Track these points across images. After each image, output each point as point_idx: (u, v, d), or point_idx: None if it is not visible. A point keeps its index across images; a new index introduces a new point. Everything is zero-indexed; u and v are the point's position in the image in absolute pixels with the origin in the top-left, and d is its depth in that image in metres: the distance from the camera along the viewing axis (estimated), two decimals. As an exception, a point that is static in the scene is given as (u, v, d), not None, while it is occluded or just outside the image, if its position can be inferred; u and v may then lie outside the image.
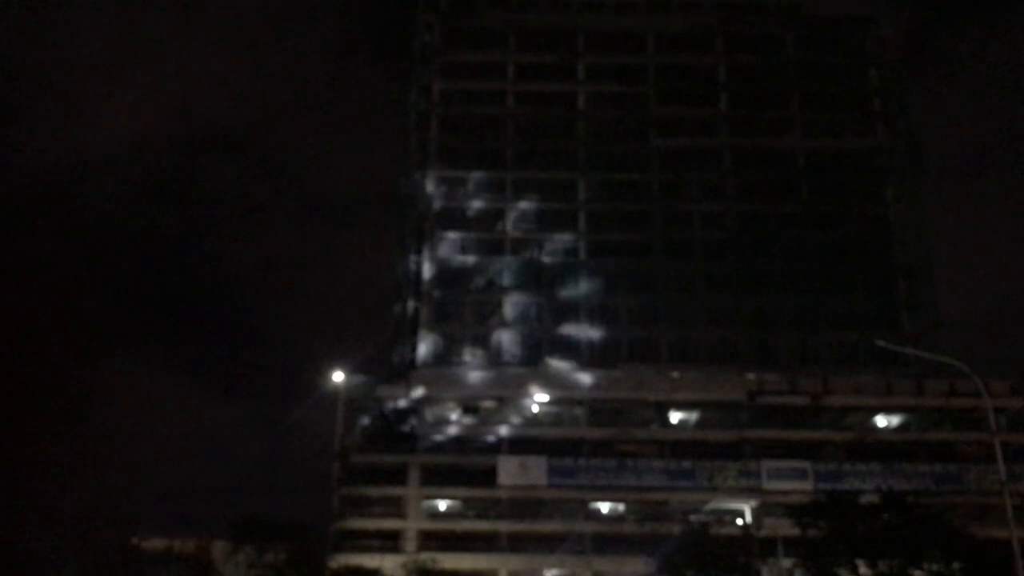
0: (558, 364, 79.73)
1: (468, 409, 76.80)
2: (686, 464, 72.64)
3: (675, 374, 78.20)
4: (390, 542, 70.92)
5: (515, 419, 76.00)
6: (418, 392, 76.01)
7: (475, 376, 77.62)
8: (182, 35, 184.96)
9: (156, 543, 64.96)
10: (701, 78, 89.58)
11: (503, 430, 75.03)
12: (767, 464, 71.98)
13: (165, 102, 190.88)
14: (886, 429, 77.01)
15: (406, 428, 75.01)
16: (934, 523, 49.89)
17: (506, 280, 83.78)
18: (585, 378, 77.31)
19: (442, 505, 74.86)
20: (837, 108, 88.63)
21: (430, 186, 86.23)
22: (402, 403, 75.77)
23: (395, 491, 72.72)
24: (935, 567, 47.82)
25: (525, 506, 72.46)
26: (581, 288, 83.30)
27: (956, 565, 47.47)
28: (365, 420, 75.76)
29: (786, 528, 57.78)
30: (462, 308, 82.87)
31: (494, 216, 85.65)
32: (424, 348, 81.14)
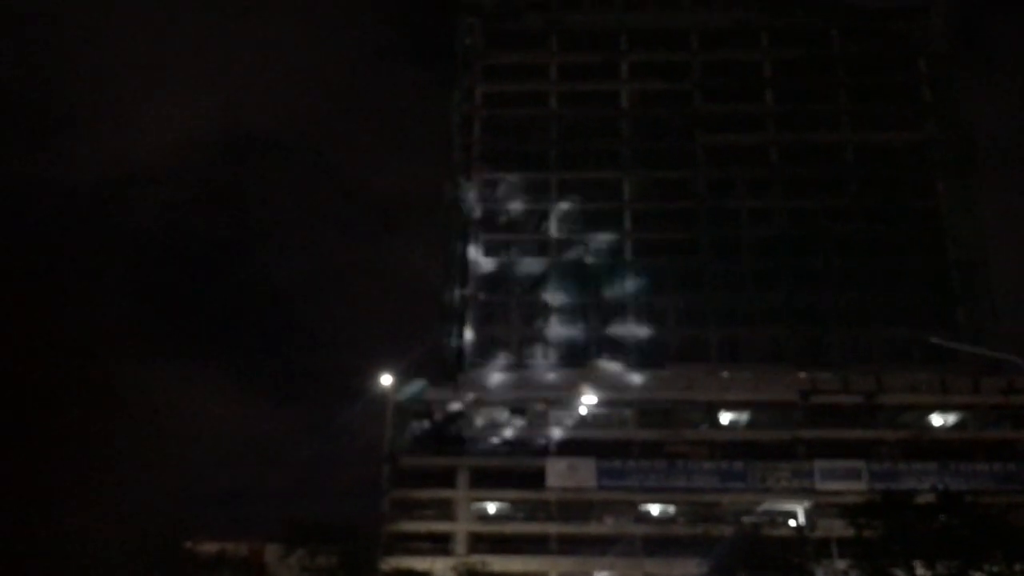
0: (606, 365, 79.45)
1: (516, 411, 76.78)
2: (737, 465, 71.92)
3: (725, 374, 77.51)
4: (440, 544, 71.09)
5: (563, 421, 75.81)
6: (466, 395, 76.19)
7: (522, 378, 77.65)
8: (225, 41, 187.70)
9: (209, 547, 65.58)
10: (746, 74, 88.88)
11: (551, 432, 74.86)
12: (820, 464, 70.97)
13: (211, 109, 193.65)
14: (942, 427, 75.55)
15: (455, 431, 75.16)
16: (994, 523, 48.91)
17: (551, 282, 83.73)
18: (633, 379, 76.93)
19: (491, 508, 74.93)
20: (885, 101, 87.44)
21: (474, 189, 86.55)
22: (451, 406, 75.95)
23: (444, 494, 72.89)
24: (995, 568, 46.83)
25: (574, 508, 72.23)
26: (628, 288, 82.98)
27: (1018, 567, 46.44)
28: (414, 423, 76.06)
29: (840, 529, 57.19)
30: (508, 310, 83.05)
31: (539, 217, 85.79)
32: (471, 351, 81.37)
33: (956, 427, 75.17)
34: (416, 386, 75.73)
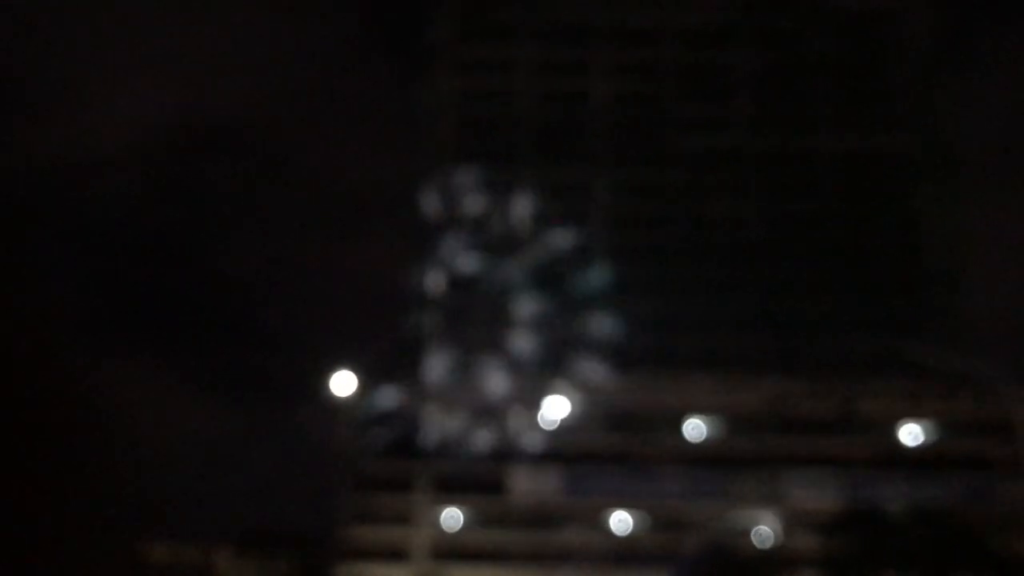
0: (573, 370, 78.44)
1: (480, 416, 75.61)
2: (706, 474, 71.40)
3: (695, 380, 76.73)
4: (398, 553, 70.08)
5: (528, 427, 74.80)
6: (428, 399, 74.89)
7: (487, 383, 76.39)
8: (186, 28, 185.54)
9: (161, 551, 64.12)
10: (721, 75, 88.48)
11: (516, 438, 73.69)
12: (790, 474, 70.55)
13: (169, 100, 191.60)
14: (914, 439, 75.17)
15: (416, 436, 73.91)
16: (964, 536, 49.06)
17: (520, 283, 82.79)
18: (602, 385, 75.89)
19: (452, 515, 73.64)
20: (863, 106, 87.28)
21: (443, 185, 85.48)
22: (412, 410, 74.72)
23: (404, 500, 71.67)
24: (966, 582, 46.28)
25: (538, 516, 71.24)
26: (597, 292, 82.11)
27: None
28: (374, 428, 74.82)
29: (810, 540, 56.80)
30: (474, 312, 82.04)
31: (508, 216, 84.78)
32: (435, 354, 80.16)
33: (928, 439, 74.78)
34: (387, 396, 74.76)
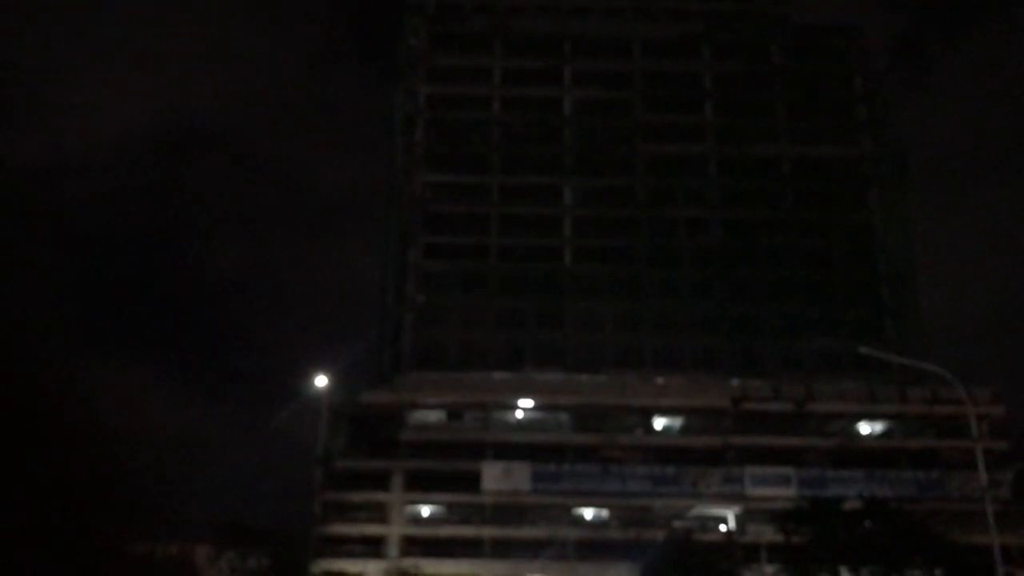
0: (542, 369, 79.52)
1: (452, 414, 76.54)
2: (670, 470, 72.56)
3: (660, 380, 78.20)
4: (373, 547, 70.55)
5: (499, 424, 75.85)
6: (402, 397, 75.73)
7: (459, 381, 77.26)
8: (163, 34, 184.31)
9: (138, 547, 64.31)
10: (687, 85, 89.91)
11: (487, 435, 74.77)
12: (751, 470, 72.00)
13: (147, 103, 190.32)
14: (869, 436, 77.12)
15: (389, 433, 74.56)
16: (916, 529, 50.04)
17: (490, 285, 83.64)
18: (569, 384, 77.15)
19: (425, 510, 74.52)
20: (822, 116, 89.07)
21: (415, 190, 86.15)
22: (385, 408, 75.37)
23: (378, 496, 72.40)
24: (917, 573, 47.95)
25: (509, 512, 72.12)
26: (566, 294, 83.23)
27: (938, 572, 47.61)
28: (348, 425, 75.36)
29: (769, 534, 57.94)
30: (446, 313, 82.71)
31: (480, 221, 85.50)
32: (408, 353, 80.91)
33: (883, 435, 76.76)
34: (360, 394, 75.05)
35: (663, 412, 76.77)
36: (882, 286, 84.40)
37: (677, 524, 68.77)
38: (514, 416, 76.77)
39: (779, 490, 69.45)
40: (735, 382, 76.99)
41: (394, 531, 71.82)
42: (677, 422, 77.06)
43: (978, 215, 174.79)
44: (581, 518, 73.62)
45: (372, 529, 71.62)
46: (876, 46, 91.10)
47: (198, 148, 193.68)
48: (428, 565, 65.11)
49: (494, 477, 72.15)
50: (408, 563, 65.55)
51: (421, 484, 72.63)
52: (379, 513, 72.39)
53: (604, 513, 73.37)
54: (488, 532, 71.58)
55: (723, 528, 67.45)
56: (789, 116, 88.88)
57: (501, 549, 71.07)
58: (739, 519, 67.11)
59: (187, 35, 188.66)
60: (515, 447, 73.77)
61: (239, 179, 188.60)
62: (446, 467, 72.27)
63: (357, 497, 72.23)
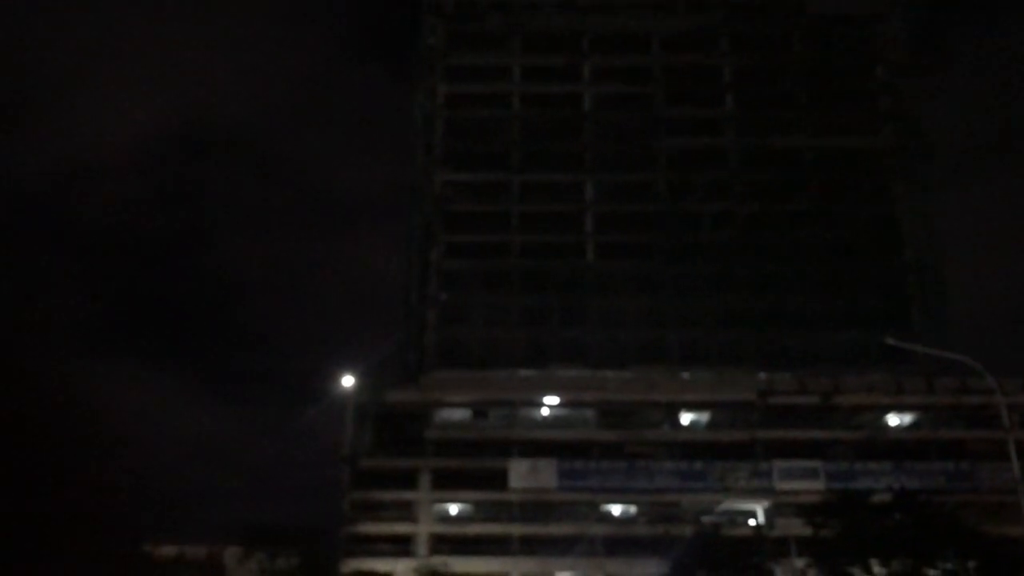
0: (565, 367, 79.62)
1: (478, 412, 76.83)
2: (697, 465, 72.61)
3: (685, 375, 78.15)
4: (401, 546, 71.06)
5: (525, 422, 76.07)
6: (427, 396, 76.06)
7: (484, 379, 77.50)
8: (184, 36, 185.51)
9: (167, 550, 65.01)
10: (707, 78, 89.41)
11: (513, 433, 74.99)
12: (778, 464, 71.90)
13: (167, 104, 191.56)
14: (897, 428, 76.73)
15: (415, 432, 74.93)
16: (947, 522, 49.59)
17: (513, 283, 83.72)
18: (594, 380, 77.20)
19: (453, 509, 74.93)
20: (844, 107, 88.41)
21: (435, 189, 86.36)
22: (411, 407, 75.73)
23: (406, 495, 72.92)
24: (949, 566, 47.58)
25: (536, 509, 72.50)
26: (589, 290, 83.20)
27: (971, 564, 47.21)
28: (374, 424, 75.80)
29: (798, 528, 57.64)
30: (469, 311, 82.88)
31: (501, 219, 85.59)
32: (433, 352, 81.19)
33: (911, 427, 76.38)
34: (386, 393, 75.44)
35: (689, 407, 76.74)
36: (907, 277, 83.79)
37: (705, 519, 68.83)
38: (539, 413, 76.94)
39: (807, 483, 69.28)
40: (761, 376, 76.88)
41: (422, 530, 72.26)
42: (704, 417, 77.01)
43: (1003, 203, 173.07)
44: (609, 514, 73.79)
45: (400, 528, 72.13)
46: (897, 34, 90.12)
47: (218, 150, 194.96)
48: (457, 563, 65.49)
49: (521, 475, 72.41)
50: (437, 561, 65.89)
51: (448, 482, 73.03)
52: (407, 512, 72.85)
53: (632, 509, 73.55)
54: (516, 530, 71.93)
55: (752, 522, 67.36)
56: (811, 107, 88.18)
57: (529, 546, 71.42)
58: (768, 513, 67.00)
59: (206, 37, 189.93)
60: (541, 444, 74.05)
61: (260, 180, 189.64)
62: (473, 465, 72.58)
63: (385, 496, 72.70)
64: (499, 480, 72.20)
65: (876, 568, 48.89)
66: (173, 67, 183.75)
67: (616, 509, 74.09)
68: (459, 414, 77.02)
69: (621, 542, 70.38)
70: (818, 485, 68.21)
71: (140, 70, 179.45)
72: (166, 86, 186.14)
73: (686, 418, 77.12)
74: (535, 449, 73.47)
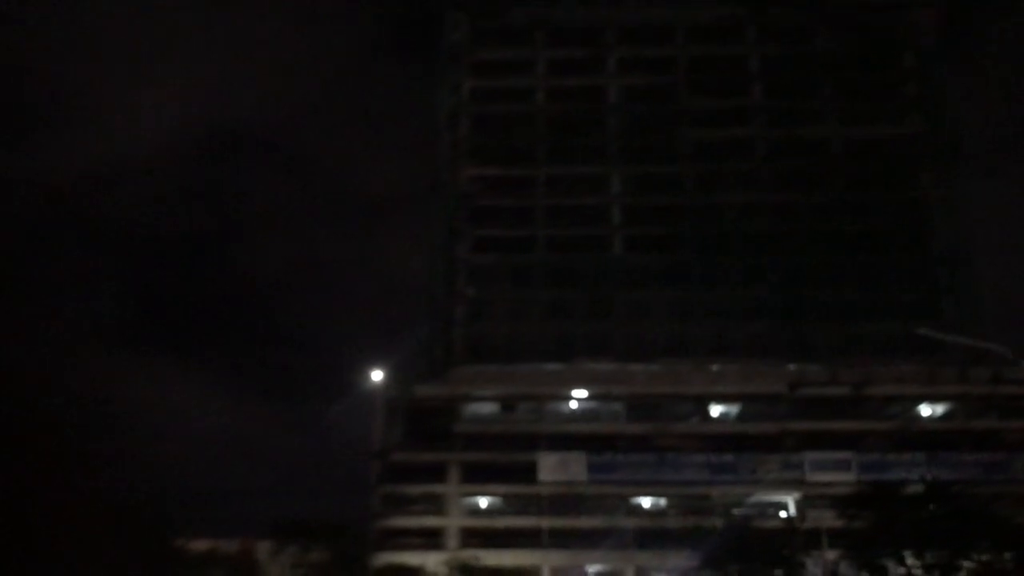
0: (593, 360, 79.55)
1: (506, 406, 77.06)
2: (727, 457, 72.56)
3: (715, 367, 77.90)
4: (432, 540, 71.50)
5: (553, 415, 76.22)
6: (456, 390, 76.31)
7: (512, 373, 77.65)
8: (209, 36, 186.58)
9: (200, 544, 65.71)
10: (732, 69, 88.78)
11: (541, 427, 75.13)
12: (809, 456, 71.63)
13: (192, 103, 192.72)
14: (930, 418, 76.13)
15: (444, 426, 75.23)
16: (982, 513, 49.17)
17: (539, 277, 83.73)
18: (622, 373, 77.13)
19: (483, 502, 75.23)
20: (871, 95, 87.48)
21: (461, 184, 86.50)
22: (440, 401, 76.03)
23: (435, 489, 73.34)
24: (984, 558, 47.16)
25: (566, 502, 72.63)
26: (616, 283, 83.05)
27: (1007, 556, 46.77)
28: (403, 419, 76.17)
29: (830, 520, 57.55)
30: (496, 306, 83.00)
31: (527, 213, 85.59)
32: (460, 347, 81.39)
33: (944, 418, 75.76)
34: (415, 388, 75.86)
35: (719, 399, 76.54)
36: (938, 266, 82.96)
37: (736, 511, 68.73)
38: (568, 407, 77.03)
39: (839, 475, 69.01)
40: (791, 367, 76.46)
41: (452, 523, 72.66)
42: (733, 409, 76.79)
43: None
44: (639, 507, 73.86)
45: (430, 521, 72.60)
46: (924, 22, 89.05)
47: (245, 148, 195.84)
48: (487, 556, 65.69)
49: (550, 468, 72.63)
50: (467, 555, 66.14)
51: (477, 476, 73.38)
52: (437, 505, 73.28)
53: (662, 502, 73.57)
54: (546, 523, 72.16)
55: (783, 514, 67.17)
56: (838, 96, 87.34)
57: (559, 539, 71.64)
58: (799, 505, 66.88)
59: (230, 38, 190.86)
60: (569, 438, 74.22)
61: (286, 178, 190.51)
62: (502, 459, 72.80)
63: (415, 490, 73.14)
64: (528, 473, 72.45)
65: (909, 560, 48.55)
66: (199, 66, 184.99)
67: (646, 502, 74.12)
68: (487, 408, 77.28)
69: (651, 535, 70.41)
70: (850, 476, 67.97)
71: (166, 70, 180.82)
72: (192, 85, 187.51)
73: (716, 410, 76.95)
74: (564, 442, 73.64)
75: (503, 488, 73.70)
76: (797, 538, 60.37)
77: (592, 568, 72.38)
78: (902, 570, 48.38)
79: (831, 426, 72.72)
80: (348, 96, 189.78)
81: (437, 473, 73.36)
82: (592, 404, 76.92)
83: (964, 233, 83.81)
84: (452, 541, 71.48)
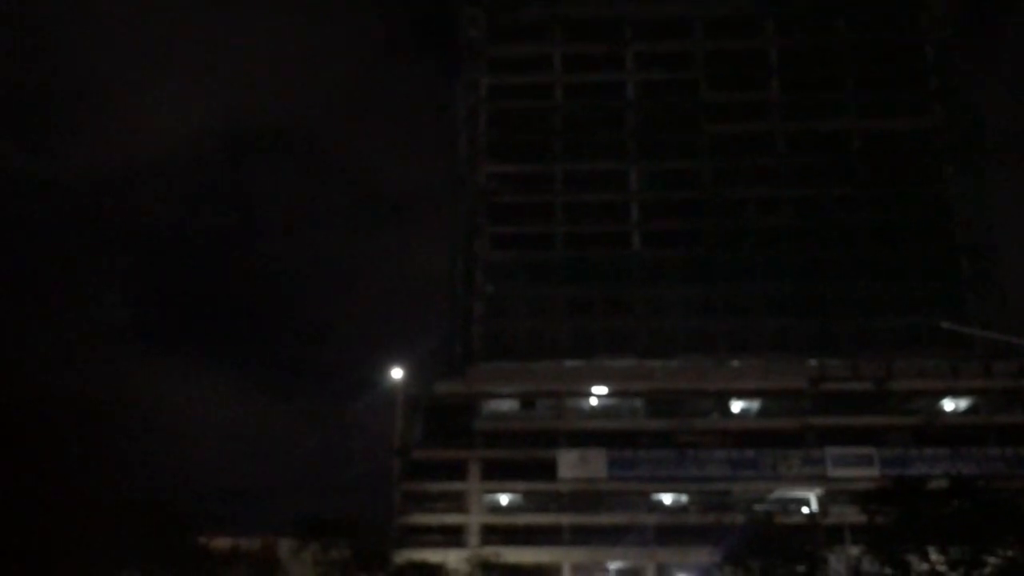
0: (612, 356, 79.37)
1: (525, 403, 77.07)
2: (749, 453, 72.21)
3: (735, 363, 77.58)
4: (453, 537, 71.58)
5: (573, 412, 76.14)
6: (475, 387, 76.37)
7: (531, 370, 77.63)
8: (227, 35, 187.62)
9: (222, 542, 66.03)
10: (751, 62, 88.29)
11: (561, 423, 75.10)
12: (831, 451, 71.18)
13: (213, 102, 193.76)
14: (953, 413, 75.55)
15: (464, 423, 75.32)
16: (1006, 508, 48.73)
17: (558, 273, 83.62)
18: (642, 369, 76.94)
19: (503, 499, 75.28)
20: (892, 88, 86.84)
21: (480, 181, 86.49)
22: (460, 398, 76.12)
23: (456, 486, 73.49)
24: (1009, 553, 46.75)
25: (586, 498, 72.67)
26: (635, 279, 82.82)
27: (1032, 551, 46.33)
28: (423, 416, 76.32)
29: (852, 515, 57.24)
30: (515, 303, 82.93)
31: (545, 209, 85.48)
32: (479, 343, 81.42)
33: (967, 412, 75.16)
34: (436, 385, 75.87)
35: (739, 395, 76.33)
36: (960, 259, 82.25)
37: (758, 507, 68.39)
38: (587, 403, 76.94)
39: (862, 470, 68.57)
40: (812, 362, 76.00)
41: (473, 520, 72.77)
42: (754, 405, 76.48)
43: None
44: (660, 503, 73.71)
45: (451, 518, 72.76)
46: (944, 13, 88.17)
47: (264, 146, 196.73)
48: (508, 553, 65.64)
49: (570, 464, 72.54)
50: (488, 551, 66.13)
51: (498, 473, 73.50)
52: (457, 502, 73.40)
53: (683, 498, 73.37)
54: (567, 519, 72.25)
55: (805, 510, 66.88)
56: (857, 89, 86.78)
57: (580, 536, 71.67)
58: (821, 501, 66.53)
59: (249, 37, 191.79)
60: (589, 434, 74.27)
61: (305, 176, 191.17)
62: (522, 455, 72.91)
63: (435, 487, 73.30)
64: (548, 470, 72.44)
65: (933, 556, 48.20)
66: (219, 66, 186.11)
67: (667, 498, 73.97)
68: (507, 405, 77.31)
69: (672, 531, 70.30)
70: (872, 472, 67.48)
71: (187, 69, 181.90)
72: (212, 84, 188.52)
73: (736, 406, 76.68)
74: (584, 439, 73.68)
75: (523, 485, 73.76)
76: (819, 534, 60.13)
77: (613, 565, 72.27)
78: (925, 566, 47.98)
79: (853, 421, 72.32)
80: (367, 93, 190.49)
81: (457, 470, 73.52)
82: (612, 401, 76.79)
83: (987, 225, 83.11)
84: (473, 538, 71.53)
